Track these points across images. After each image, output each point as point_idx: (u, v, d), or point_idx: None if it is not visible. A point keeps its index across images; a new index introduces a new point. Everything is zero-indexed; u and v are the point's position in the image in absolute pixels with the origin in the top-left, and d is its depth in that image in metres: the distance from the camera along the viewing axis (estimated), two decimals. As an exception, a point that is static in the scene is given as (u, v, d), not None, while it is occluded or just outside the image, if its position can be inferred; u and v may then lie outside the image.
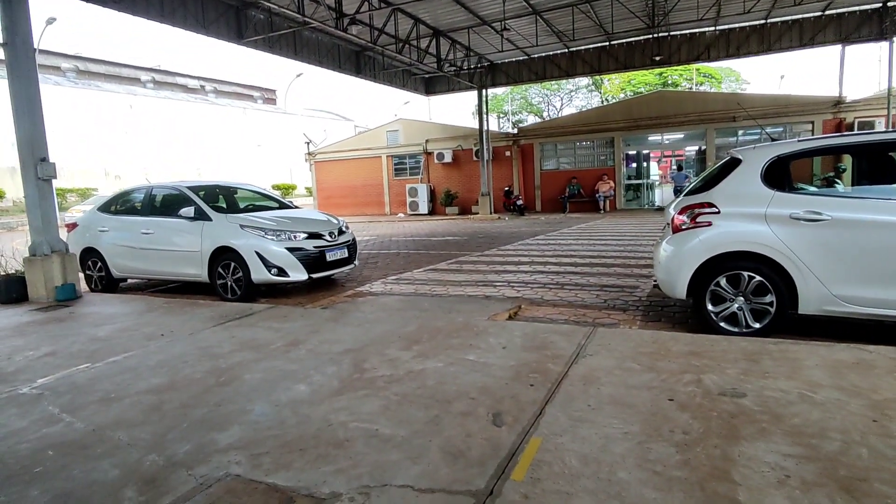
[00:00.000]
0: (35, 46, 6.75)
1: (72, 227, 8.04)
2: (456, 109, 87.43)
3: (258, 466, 2.36)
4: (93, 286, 7.71)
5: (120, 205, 7.82)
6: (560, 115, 36.84)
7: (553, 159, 21.95)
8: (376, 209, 25.17)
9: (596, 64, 18.58)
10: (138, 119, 35.30)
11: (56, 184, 6.85)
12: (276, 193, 8.93)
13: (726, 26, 16.33)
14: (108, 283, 7.61)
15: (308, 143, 26.76)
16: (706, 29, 16.56)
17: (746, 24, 16.05)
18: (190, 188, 7.18)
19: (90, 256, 7.66)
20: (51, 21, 25.04)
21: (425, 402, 2.96)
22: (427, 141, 23.61)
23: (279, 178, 40.31)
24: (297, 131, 37.44)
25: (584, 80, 40.55)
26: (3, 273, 6.75)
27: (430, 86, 21.66)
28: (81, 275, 7.39)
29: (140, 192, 7.74)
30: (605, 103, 36.41)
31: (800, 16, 15.50)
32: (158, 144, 35.80)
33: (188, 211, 6.79)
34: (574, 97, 43.99)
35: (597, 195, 20.05)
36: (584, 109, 34.22)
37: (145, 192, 7.63)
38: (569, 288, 6.49)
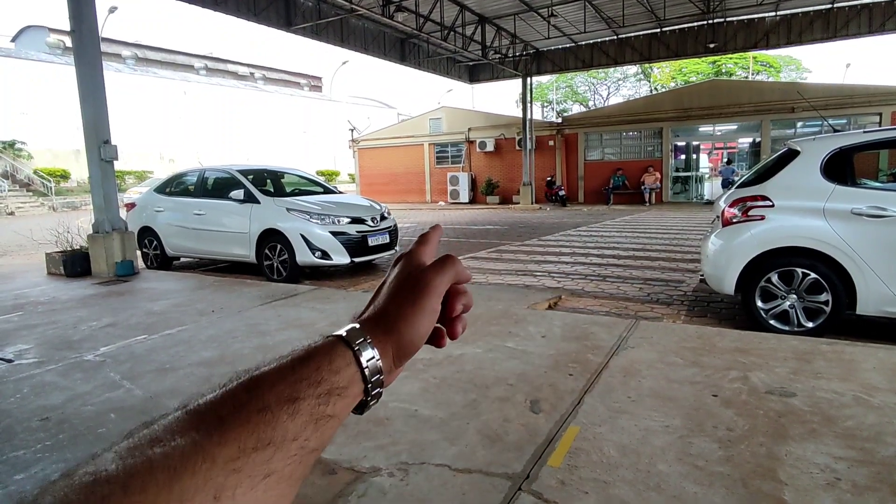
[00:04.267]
0: (99, 34, 7.08)
1: (130, 206, 8.46)
2: (499, 98, 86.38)
3: (302, 439, 2.45)
4: (149, 263, 8.11)
5: (174, 186, 8.16)
6: (606, 105, 35.95)
7: (598, 150, 21.47)
8: (417, 197, 25.31)
9: (646, 51, 17.98)
10: (191, 104, 36.58)
11: (115, 165, 7.21)
12: (321, 179, 9.12)
13: (787, 11, 15.46)
14: (162, 260, 7.98)
15: (352, 130, 27.11)
16: (765, 14, 15.72)
17: (810, 8, 15.15)
18: (240, 172, 7.42)
19: (146, 235, 8.05)
20: (112, 10, 26.17)
21: (463, 385, 2.99)
22: (469, 129, 23.49)
23: (323, 164, 41.04)
24: (341, 118, 38.00)
25: (632, 69, 39.37)
26: (69, 249, 7.19)
27: (474, 73, 21.50)
28: (138, 252, 7.78)
29: (193, 174, 8.06)
30: (653, 92, 35.26)
31: (869, 0, 14.53)
32: (210, 129, 37.03)
33: (238, 194, 7.03)
34: (621, 86, 42.83)
35: (642, 187, 19.51)
36: (631, 99, 33.26)
37: (198, 174, 7.94)
38: (611, 280, 6.38)
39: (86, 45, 6.75)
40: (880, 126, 16.29)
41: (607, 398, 2.76)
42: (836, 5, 14.87)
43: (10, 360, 3.71)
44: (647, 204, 19.19)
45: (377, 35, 16.41)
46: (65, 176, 27.67)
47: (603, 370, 3.14)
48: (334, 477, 2.14)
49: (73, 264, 6.90)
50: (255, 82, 47.23)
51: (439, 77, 20.39)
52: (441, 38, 15.21)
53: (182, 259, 8.44)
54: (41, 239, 8.41)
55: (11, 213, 22.98)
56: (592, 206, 20.03)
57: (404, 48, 17.66)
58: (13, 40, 37.43)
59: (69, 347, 3.95)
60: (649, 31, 17.35)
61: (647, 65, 33.01)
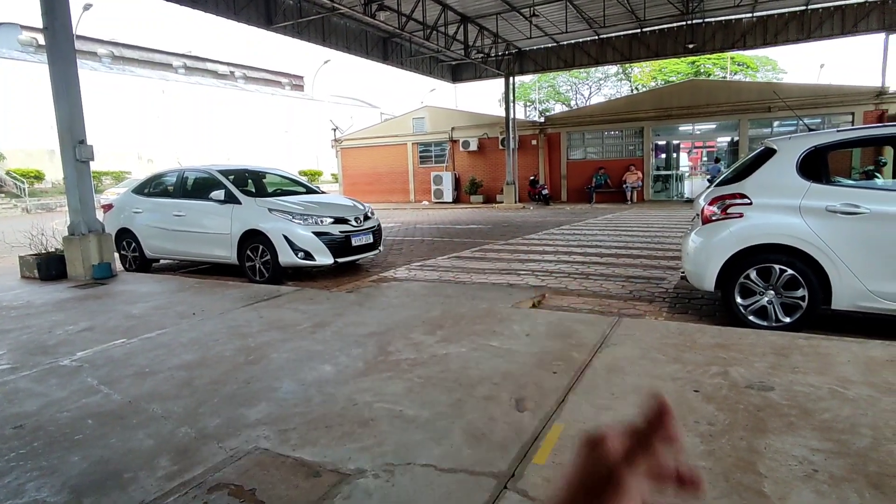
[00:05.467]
0: (73, 31, 6.92)
1: (108, 208, 8.29)
2: (482, 97, 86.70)
3: (286, 441, 2.43)
4: (127, 266, 7.96)
5: (153, 187, 8.02)
6: (588, 104, 36.26)
7: (580, 149, 21.64)
8: (401, 196, 25.25)
9: (626, 51, 18.18)
10: (170, 104, 36.00)
11: (92, 166, 7.06)
12: (304, 179, 9.05)
13: (764, 13, 15.77)
14: (141, 262, 7.84)
15: (334, 130, 26.93)
16: (743, 15, 16.01)
17: (785, 10, 15.48)
18: (220, 172, 7.32)
19: (125, 237, 7.89)
20: (87, 7, 25.62)
21: (448, 385, 2.99)
22: (453, 129, 23.50)
23: (306, 163, 40.74)
24: (323, 118, 37.74)
25: (613, 69, 39.72)
26: (44, 251, 7.02)
27: (457, 73, 21.52)
28: (116, 254, 7.63)
29: (172, 175, 7.93)
30: (634, 92, 35.66)
31: (842, 2, 14.88)
32: (189, 129, 36.49)
33: (218, 194, 6.93)
34: (603, 85, 43.18)
35: (624, 186, 19.72)
36: (613, 98, 33.57)
37: (177, 175, 7.81)
38: (594, 278, 6.44)
39: (59, 42, 6.59)
40: (853, 125, 16.69)
41: (591, 395, 2.78)
42: (810, 7, 15.20)
43: (-18, 367, 3.61)
44: (629, 202, 19.41)
45: (359, 34, 16.33)
46: (38, 177, 27.02)
47: (587, 368, 3.16)
48: (318, 479, 2.12)
49: (49, 267, 6.74)
50: (235, 81, 46.67)
51: (422, 77, 20.37)
52: (424, 38, 15.20)
53: (162, 261, 8.30)
54: (14, 241, 8.19)
55: (-17, 216, 22.36)
56: (575, 204, 20.19)
57: (387, 47, 17.60)
58: (-16, 38, 36.39)
59: (44, 353, 3.85)
60: (630, 32, 17.56)
61: (627, 65, 33.36)
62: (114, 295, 5.88)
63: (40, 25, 6.66)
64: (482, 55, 18.03)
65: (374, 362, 3.39)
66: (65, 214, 7.12)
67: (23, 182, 25.86)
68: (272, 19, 13.21)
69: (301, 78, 55.06)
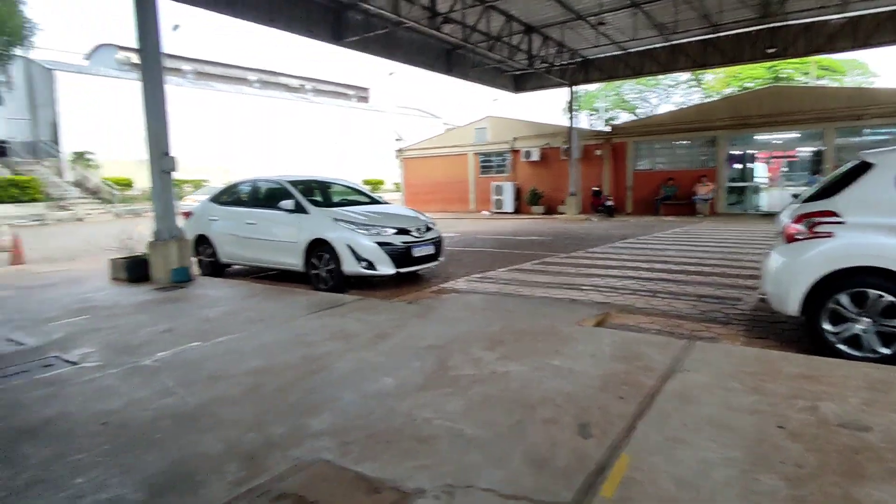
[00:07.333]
0: (162, 54, 7.44)
1: (188, 215, 8.83)
2: (545, 106, 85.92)
3: (347, 454, 2.45)
4: (203, 270, 8.42)
5: (228, 196, 8.46)
6: (655, 113, 35.02)
7: (647, 159, 20.89)
8: (461, 206, 25.34)
9: (699, 58, 17.42)
10: (246, 116, 38.09)
11: (174, 175, 7.54)
12: (367, 188, 9.26)
13: (854, 13, 14.63)
14: (215, 267, 8.27)
15: (398, 140, 27.49)
16: (829, 17, 14.93)
17: (879, 10, 14.29)
18: (290, 182, 7.62)
19: (202, 243, 8.37)
20: (176, 27, 27.61)
21: (508, 405, 2.92)
22: (514, 139, 23.37)
23: (369, 173, 41.80)
24: (387, 128, 38.64)
25: (683, 76, 38.17)
26: (131, 255, 7.56)
27: (520, 83, 21.40)
28: (194, 259, 8.09)
29: (246, 184, 8.34)
30: (706, 99, 34.09)
31: (949, -1, 13.59)
32: (262, 140, 38.43)
33: (288, 204, 7.21)
34: (672, 93, 41.58)
35: (694, 198, 18.83)
36: (683, 106, 32.23)
37: (251, 184, 8.21)
38: (662, 296, 6.15)
39: (150, 64, 7.11)
40: (960, 133, 15.15)
41: (661, 425, 2.63)
42: (909, 6, 13.98)
43: (74, 363, 3.90)
44: (700, 215, 18.49)
45: (423, 46, 16.58)
46: (128, 184, 29.33)
47: (657, 394, 3.00)
48: (379, 496, 2.12)
49: (136, 270, 7.25)
50: (305, 94, 48.70)
51: (485, 87, 20.41)
52: (487, 49, 15.24)
53: (234, 266, 8.72)
54: (105, 245, 8.87)
55: (80, 220, 24.45)
56: (641, 216, 19.48)
57: (450, 59, 17.77)
58: (87, 58, 40.02)
59: (129, 352, 4.12)
60: (703, 37, 16.81)
61: (699, 72, 32.00)
62: (190, 299, 6.23)
63: (135, 45, 7.21)
64: (546, 65, 17.84)
65: (434, 377, 3.38)
66: (148, 219, 7.64)
67: (115, 189, 28.14)
68: (341, 35, 13.67)
69: (366, 90, 56.68)
